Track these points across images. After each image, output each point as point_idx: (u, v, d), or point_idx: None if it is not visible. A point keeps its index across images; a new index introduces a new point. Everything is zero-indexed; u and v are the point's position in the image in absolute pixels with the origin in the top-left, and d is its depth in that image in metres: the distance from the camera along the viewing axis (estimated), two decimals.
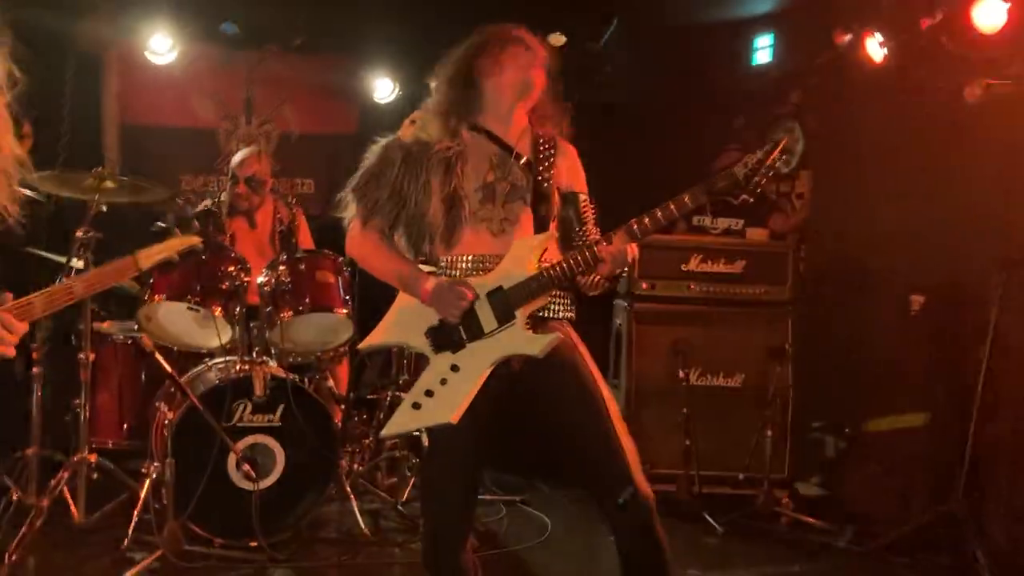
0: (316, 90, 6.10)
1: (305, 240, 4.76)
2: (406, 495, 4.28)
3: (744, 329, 4.69)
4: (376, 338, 2.59)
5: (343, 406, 4.52)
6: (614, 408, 2.51)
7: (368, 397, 4.86)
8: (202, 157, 5.92)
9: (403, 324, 2.53)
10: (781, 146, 2.36)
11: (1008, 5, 3.76)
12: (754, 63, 5.65)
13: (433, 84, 2.64)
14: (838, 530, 4.23)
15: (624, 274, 2.50)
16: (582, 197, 2.63)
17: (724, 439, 4.57)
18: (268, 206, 4.70)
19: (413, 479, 4.35)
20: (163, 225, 3.71)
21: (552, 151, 2.59)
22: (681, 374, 4.52)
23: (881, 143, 4.79)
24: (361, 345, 2.67)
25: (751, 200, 2.37)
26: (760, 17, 5.58)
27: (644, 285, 4.68)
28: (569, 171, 2.63)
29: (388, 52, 5.83)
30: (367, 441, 4.47)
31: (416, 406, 2.44)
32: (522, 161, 2.54)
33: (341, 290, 4.09)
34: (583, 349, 2.56)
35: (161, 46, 5.36)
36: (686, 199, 2.35)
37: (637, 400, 4.65)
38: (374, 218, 2.55)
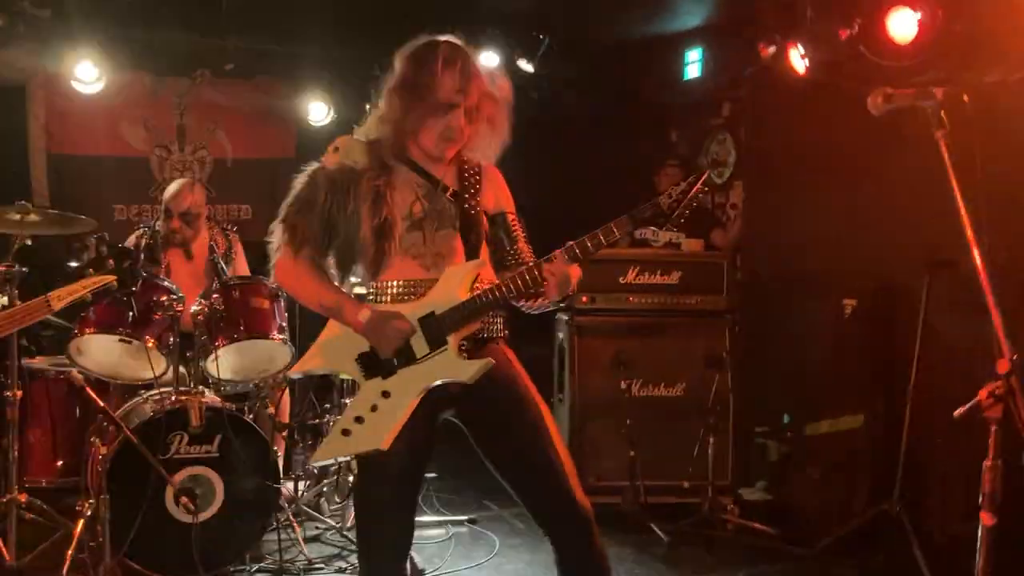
0: (250, 115, 6.07)
1: (241, 267, 4.71)
2: (351, 520, 4.23)
3: (683, 339, 4.74)
4: (306, 365, 2.56)
5: (285, 433, 4.48)
6: (551, 424, 2.52)
7: (311, 423, 4.81)
8: (135, 185, 5.85)
9: (333, 350, 2.51)
10: (703, 178, 2.40)
11: (919, 16, 3.88)
12: (685, 77, 5.74)
13: (367, 112, 2.64)
14: (782, 534, 4.29)
15: (570, 295, 2.52)
16: (510, 216, 2.65)
17: (668, 449, 4.60)
18: (204, 235, 4.64)
19: None
20: (75, 264, 3.62)
21: (478, 178, 2.61)
22: (623, 385, 4.56)
23: (809, 152, 4.90)
24: (291, 371, 2.65)
25: (674, 228, 2.42)
26: (689, 32, 5.68)
27: (584, 299, 4.71)
28: (496, 193, 2.65)
29: (321, 76, 5.81)
30: (311, 466, 4.41)
31: (346, 432, 2.42)
32: (448, 192, 2.55)
33: (277, 316, 4.06)
34: (518, 366, 2.57)
35: (87, 74, 5.28)
36: (614, 228, 2.37)
37: (582, 413, 4.68)
38: (304, 247, 2.53)
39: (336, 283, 2.57)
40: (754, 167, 5.49)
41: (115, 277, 2.17)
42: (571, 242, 2.40)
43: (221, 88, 5.89)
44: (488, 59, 5.28)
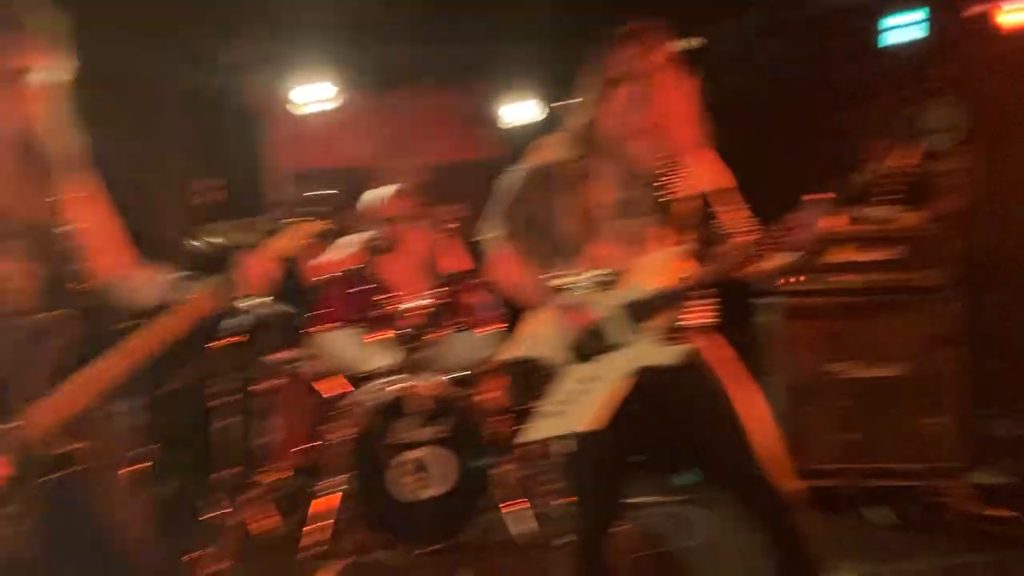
0: (464, 119, 6.36)
1: (460, 262, 4.97)
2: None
3: (904, 317, 4.50)
4: (514, 351, 2.72)
5: (505, 416, 4.71)
6: (758, 408, 2.53)
7: (527, 407, 5.00)
8: (358, 194, 6.29)
9: (541, 337, 2.65)
10: (911, 152, 2.33)
11: None
12: (890, 43, 5.43)
13: (566, 106, 2.76)
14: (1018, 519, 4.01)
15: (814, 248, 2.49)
16: (718, 193, 2.64)
17: (888, 430, 4.41)
18: (420, 235, 4.95)
19: None
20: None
21: (677, 163, 2.63)
22: (838, 367, 4.42)
23: None
24: (501, 357, 2.82)
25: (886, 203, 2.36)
26: None
27: (792, 278, 4.60)
28: (704, 173, 2.64)
29: (529, 76, 5.98)
30: (520, 446, 4.61)
31: (554, 414, 2.56)
32: (647, 178, 2.61)
33: (493, 306, 4.30)
34: (726, 352, 2.60)
35: (317, 94, 5.76)
36: (818, 205, 2.36)
37: (793, 397, 4.57)
38: (512, 240, 2.69)
39: (542, 274, 2.70)
40: (980, 131, 5.12)
41: (326, 221, 2.25)
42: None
43: (435, 96, 6.22)
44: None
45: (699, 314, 2.59)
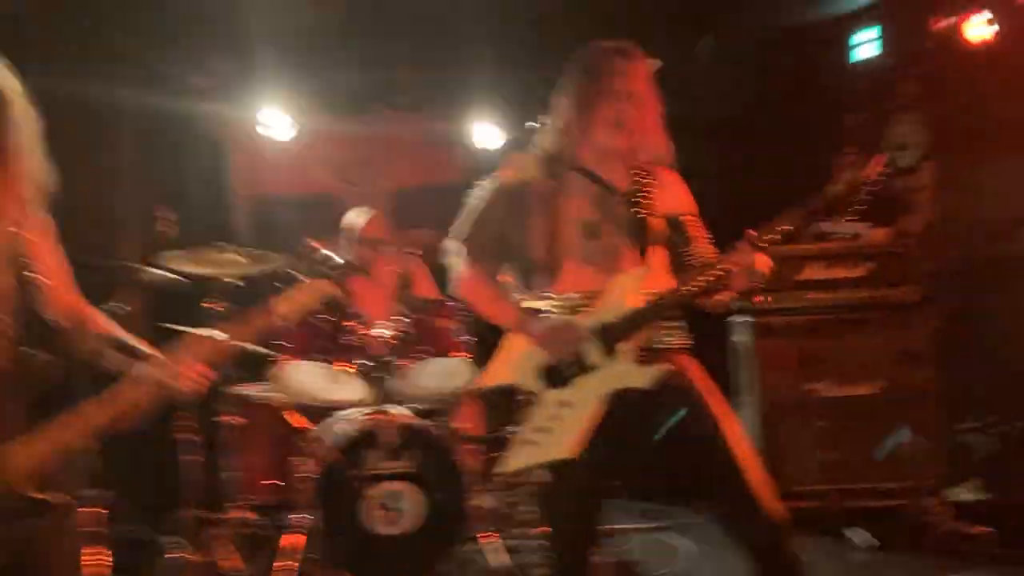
0: (425, 143, 6.32)
1: (427, 289, 4.90)
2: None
3: (875, 334, 4.50)
4: (487, 379, 2.64)
5: (477, 446, 4.61)
6: (734, 428, 2.47)
7: (499, 436, 4.91)
8: (323, 221, 6.19)
9: (513, 363, 2.58)
10: (877, 162, 2.32)
11: None
12: (858, 58, 5.48)
13: (536, 127, 2.71)
14: (1000, 536, 3.99)
15: (760, 288, 2.45)
16: (686, 217, 2.63)
17: (865, 449, 4.38)
18: (387, 261, 4.87)
19: None
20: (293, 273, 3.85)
21: (650, 181, 2.61)
22: (812, 386, 4.39)
23: (1005, 126, 4.56)
24: (473, 386, 2.74)
25: (854, 218, 2.33)
26: (861, 10, 5.42)
27: (762, 298, 4.57)
28: (672, 196, 2.63)
29: (492, 101, 5.97)
30: (497, 477, 4.51)
31: (530, 443, 2.49)
32: (620, 196, 2.56)
33: (461, 334, 4.19)
34: (700, 373, 2.54)
35: (275, 121, 5.68)
36: (788, 220, 2.33)
37: (769, 417, 4.53)
38: (481, 259, 2.62)
39: (513, 297, 2.64)
40: (945, 146, 5.15)
41: (336, 285, 2.19)
42: (750, 231, 2.36)
43: (395, 120, 6.17)
44: (652, 61, 5.27)
45: (673, 334, 2.53)
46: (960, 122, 5.01)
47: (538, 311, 2.56)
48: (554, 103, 2.63)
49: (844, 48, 5.48)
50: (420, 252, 5.05)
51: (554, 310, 2.53)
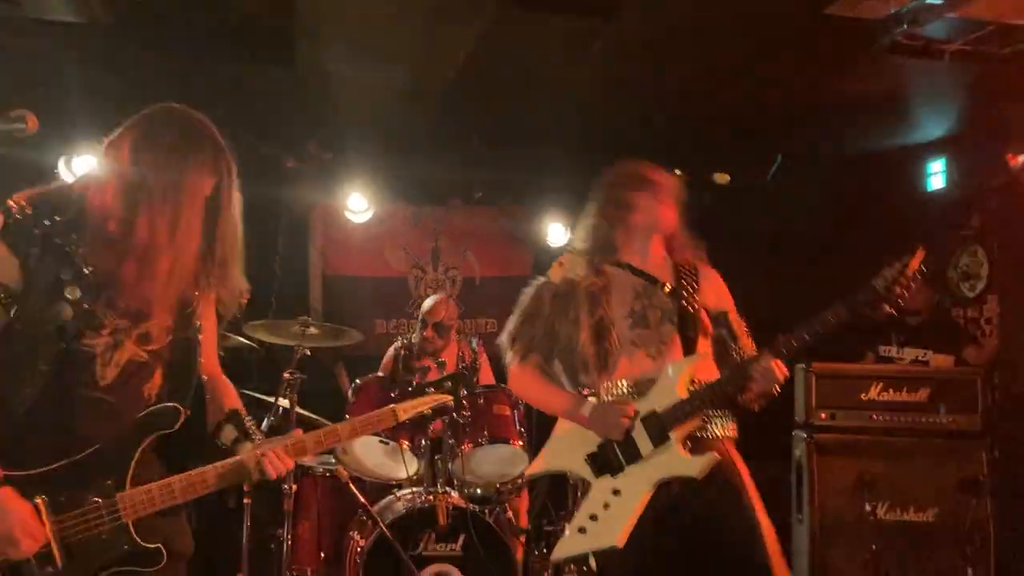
0: (496, 237, 6.55)
1: (486, 376, 5.02)
2: None
3: (934, 460, 4.43)
4: (539, 466, 2.74)
5: (522, 538, 4.64)
6: (768, 526, 2.51)
7: (545, 528, 4.94)
8: (394, 302, 6.43)
9: (563, 451, 2.68)
10: (919, 256, 2.39)
11: None
12: (928, 188, 5.58)
13: (577, 227, 2.88)
14: None
15: (776, 393, 2.54)
16: (731, 314, 2.75)
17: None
18: (453, 346, 5.02)
19: None
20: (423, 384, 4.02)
21: (694, 275, 2.75)
22: (868, 508, 4.34)
23: None
24: (526, 472, 2.83)
25: (894, 312, 2.40)
26: (931, 143, 5.55)
27: (823, 415, 4.57)
28: (715, 293, 2.77)
29: (558, 200, 6.20)
30: (546, 574, 4.52)
31: (582, 530, 2.55)
32: (666, 289, 2.69)
33: (517, 423, 4.28)
34: (742, 469, 2.60)
35: (358, 206, 5.97)
36: (829, 316, 2.42)
37: (822, 536, 4.47)
38: (531, 354, 2.75)
39: (563, 384, 2.75)
40: (1010, 278, 5.18)
41: (451, 397, 2.41)
42: (779, 336, 2.46)
43: (471, 214, 6.46)
44: (720, 178, 5.47)
45: (720, 424, 2.60)
46: (1022, 257, 5.04)
47: (588, 396, 2.67)
48: (593, 206, 2.82)
49: (915, 177, 5.59)
50: (482, 340, 5.19)
51: (606, 398, 2.62)
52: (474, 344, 5.06)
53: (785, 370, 2.48)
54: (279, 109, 5.18)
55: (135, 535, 1.97)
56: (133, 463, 1.99)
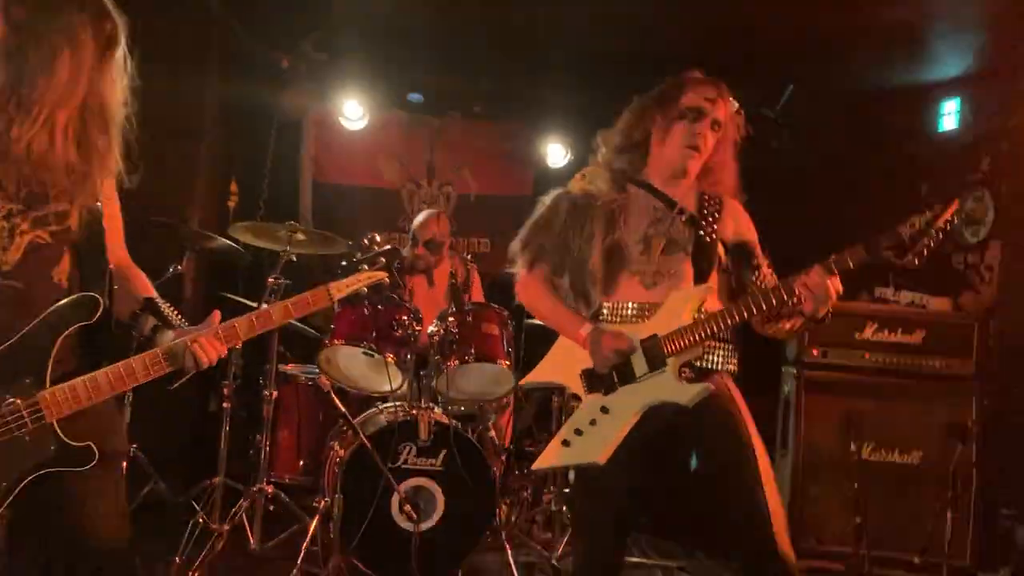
0: (493, 154, 6.40)
1: (476, 295, 4.95)
2: (561, 550, 4.28)
3: (923, 403, 4.42)
4: (535, 376, 2.70)
5: (503, 457, 4.61)
6: (766, 468, 2.46)
7: (527, 449, 4.92)
8: (386, 215, 6.30)
9: (560, 365, 2.62)
10: (952, 209, 2.27)
11: None
12: (940, 129, 5.44)
13: (603, 138, 2.74)
14: None
15: (828, 316, 2.44)
16: (752, 246, 2.64)
17: (899, 519, 4.30)
18: (445, 264, 4.93)
19: (568, 535, 4.35)
20: (349, 262, 3.92)
21: (717, 207, 2.63)
22: (853, 447, 4.32)
23: None
24: (521, 382, 2.77)
25: (916, 264, 2.29)
26: (946, 82, 5.39)
27: (815, 352, 4.53)
28: (737, 225, 2.66)
29: (561, 119, 6.05)
30: (525, 494, 4.51)
31: (566, 443, 2.50)
32: (684, 216, 2.58)
33: (505, 343, 4.21)
34: (741, 405, 2.53)
35: (353, 112, 5.80)
36: (847, 256, 2.32)
37: (805, 472, 4.47)
38: (539, 264, 2.67)
39: (569, 301, 2.65)
40: (1014, 226, 5.08)
41: (386, 274, 2.31)
42: (832, 255, 2.34)
43: (468, 129, 6.28)
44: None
45: (722, 356, 2.53)
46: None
47: (594, 317, 2.58)
48: (626, 119, 2.67)
49: (928, 116, 5.45)
50: (473, 259, 5.10)
51: (610, 320, 2.55)
52: (467, 263, 4.98)
53: (839, 285, 2.36)
54: (274, 3, 4.98)
55: (62, 434, 1.89)
56: (51, 360, 1.89)
